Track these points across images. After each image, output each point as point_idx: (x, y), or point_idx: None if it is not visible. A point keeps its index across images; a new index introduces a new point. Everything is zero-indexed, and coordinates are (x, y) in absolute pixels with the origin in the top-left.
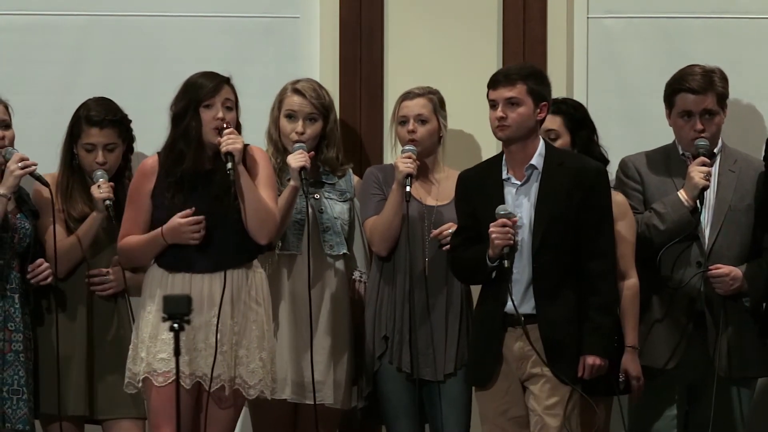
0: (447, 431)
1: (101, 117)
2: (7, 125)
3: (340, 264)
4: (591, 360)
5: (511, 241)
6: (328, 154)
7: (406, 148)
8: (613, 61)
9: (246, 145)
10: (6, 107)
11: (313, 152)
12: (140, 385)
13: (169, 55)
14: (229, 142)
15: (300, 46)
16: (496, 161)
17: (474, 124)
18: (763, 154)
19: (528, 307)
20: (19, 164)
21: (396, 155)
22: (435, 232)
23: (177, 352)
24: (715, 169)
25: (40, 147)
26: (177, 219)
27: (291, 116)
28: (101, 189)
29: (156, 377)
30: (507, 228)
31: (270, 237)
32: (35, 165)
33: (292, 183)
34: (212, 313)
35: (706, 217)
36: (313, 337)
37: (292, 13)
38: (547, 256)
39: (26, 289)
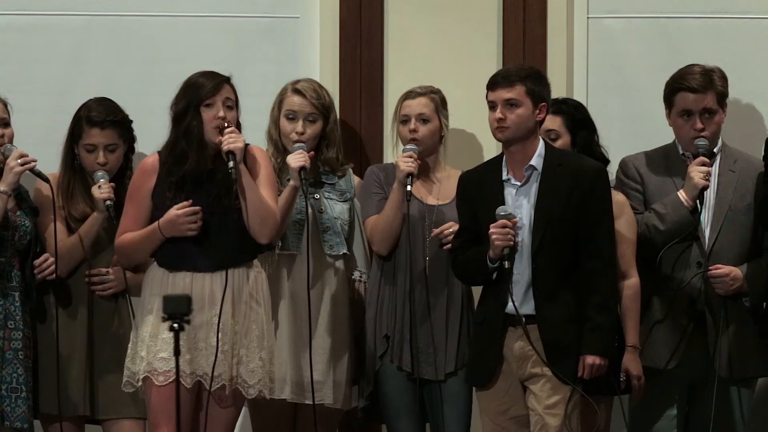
0: (447, 431)
1: (102, 117)
2: (7, 123)
3: (340, 264)
4: (590, 360)
5: (511, 242)
6: (328, 154)
7: (407, 147)
8: (613, 61)
9: (246, 145)
10: (5, 105)
11: (313, 152)
12: (139, 384)
13: (169, 55)
14: (230, 141)
15: (300, 46)
16: (496, 162)
17: (474, 123)
18: (763, 154)
19: (528, 307)
20: (19, 161)
21: (397, 154)
22: (436, 231)
23: (177, 352)
24: (715, 169)
25: (40, 147)
26: (174, 211)
27: (291, 116)
28: (102, 189)
29: (156, 376)
30: (507, 229)
31: (271, 236)
32: (35, 161)
33: (292, 183)
34: (213, 313)
35: (706, 217)
36: (312, 337)
37: (292, 13)
38: (547, 257)
39: (27, 287)
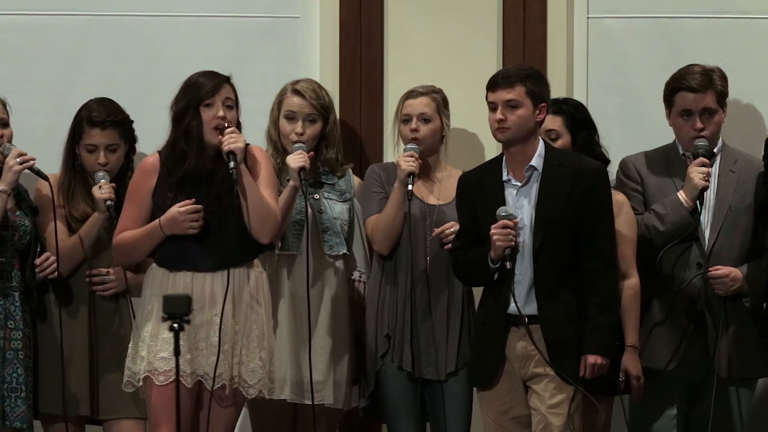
0: (448, 431)
1: (103, 118)
2: (6, 123)
3: (339, 264)
4: (592, 359)
5: (512, 243)
6: (327, 154)
7: (409, 146)
8: (613, 61)
9: (247, 145)
10: (4, 105)
11: (312, 152)
12: (140, 383)
13: (169, 55)
14: (231, 141)
15: (300, 46)
16: (496, 163)
17: (474, 123)
18: (763, 154)
19: (531, 308)
20: (18, 159)
21: (398, 154)
22: (437, 230)
23: (177, 352)
24: (715, 170)
25: (40, 147)
26: (176, 208)
27: (290, 117)
28: (103, 190)
29: (157, 376)
30: (508, 229)
31: (271, 236)
32: (33, 160)
33: (291, 183)
34: (213, 312)
35: (706, 218)
36: (312, 337)
37: (292, 13)
38: (549, 257)
39: (27, 286)
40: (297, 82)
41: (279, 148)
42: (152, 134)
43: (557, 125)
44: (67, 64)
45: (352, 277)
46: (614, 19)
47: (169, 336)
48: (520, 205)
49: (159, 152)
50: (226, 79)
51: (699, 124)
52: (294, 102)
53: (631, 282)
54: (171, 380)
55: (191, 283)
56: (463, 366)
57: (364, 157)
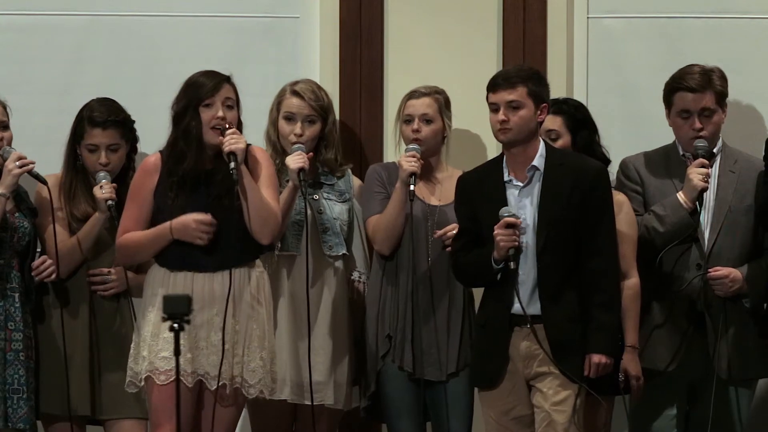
0: (451, 431)
1: (104, 117)
2: (6, 126)
3: (339, 264)
4: (597, 359)
5: (516, 243)
6: (326, 155)
7: (410, 147)
8: (613, 61)
9: (248, 145)
10: (5, 108)
11: (311, 153)
12: (142, 384)
13: (169, 55)
14: (231, 142)
15: (300, 46)
16: (495, 163)
17: (474, 123)
18: (763, 154)
19: (534, 308)
20: (17, 163)
21: (399, 153)
22: (439, 232)
23: (177, 352)
24: (715, 170)
25: (41, 147)
26: (191, 217)
27: (289, 118)
28: (104, 190)
29: (158, 375)
30: (512, 230)
31: (272, 237)
32: (33, 163)
33: (291, 183)
34: (214, 312)
35: (705, 219)
36: (312, 337)
37: (292, 13)
38: (552, 257)
39: (27, 287)
40: (296, 83)
41: (278, 148)
42: (152, 134)
43: (557, 125)
44: (67, 64)
45: (352, 277)
46: (614, 19)
47: (169, 336)
48: (523, 205)
49: (160, 152)
50: (227, 79)
51: (697, 124)
52: (293, 103)
53: (632, 282)
54: (172, 380)
55: (191, 283)
56: (464, 367)
57: (364, 158)
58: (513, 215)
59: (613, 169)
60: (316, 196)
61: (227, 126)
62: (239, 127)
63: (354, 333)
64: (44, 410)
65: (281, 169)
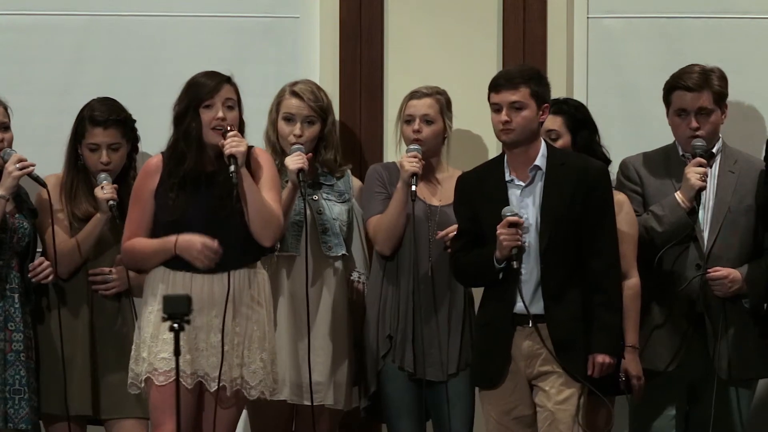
0: (452, 430)
1: (105, 117)
2: (6, 127)
3: (338, 265)
4: (600, 358)
5: (519, 242)
6: (326, 155)
7: (412, 147)
8: (613, 61)
9: (250, 147)
10: (5, 109)
11: (311, 154)
12: (142, 385)
13: (169, 55)
14: (232, 145)
15: (300, 46)
16: (496, 163)
17: (474, 124)
18: (763, 154)
19: (537, 307)
20: (17, 165)
21: (399, 153)
22: (441, 233)
23: (177, 352)
24: (714, 170)
25: (41, 147)
26: (200, 239)
27: (289, 119)
28: (105, 190)
29: (157, 376)
30: (515, 229)
31: (274, 239)
32: (33, 166)
33: (290, 184)
34: (213, 314)
35: (705, 219)
36: (311, 338)
37: (292, 13)
38: (555, 257)
39: (26, 288)
40: (295, 83)
41: (277, 149)
42: (152, 134)
43: (558, 125)
44: (67, 64)
45: (352, 277)
46: (614, 19)
47: (169, 336)
48: (525, 205)
49: (162, 153)
50: (227, 80)
51: (694, 123)
52: (292, 104)
53: (632, 282)
54: (171, 380)
55: (191, 283)
56: (465, 367)
57: (363, 158)
58: (516, 214)
59: (613, 169)
60: (315, 197)
61: (229, 128)
62: (241, 127)
63: (354, 333)
64: (45, 410)
65: (281, 170)
